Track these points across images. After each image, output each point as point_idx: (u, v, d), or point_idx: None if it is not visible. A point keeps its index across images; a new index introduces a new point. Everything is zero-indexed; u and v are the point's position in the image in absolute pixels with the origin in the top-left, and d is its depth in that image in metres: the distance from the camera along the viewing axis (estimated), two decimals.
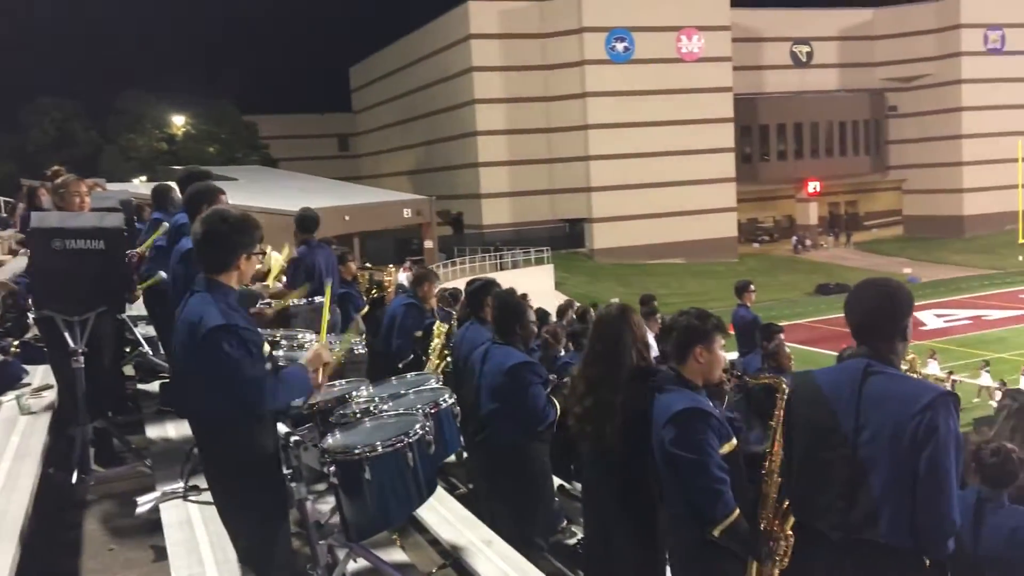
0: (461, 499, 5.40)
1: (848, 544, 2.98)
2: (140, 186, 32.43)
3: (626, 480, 3.91)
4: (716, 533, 3.41)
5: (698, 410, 3.49)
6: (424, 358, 6.81)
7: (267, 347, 3.41)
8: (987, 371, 25.61)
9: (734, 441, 3.56)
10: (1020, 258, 49.10)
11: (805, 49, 62.11)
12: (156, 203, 7.30)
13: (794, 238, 60.38)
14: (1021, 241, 47.13)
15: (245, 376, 3.13)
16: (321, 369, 3.42)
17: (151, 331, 7.46)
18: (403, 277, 14.70)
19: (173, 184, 7.05)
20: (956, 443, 2.85)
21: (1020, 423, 4.74)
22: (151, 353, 6.95)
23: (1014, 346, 31.87)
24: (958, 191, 59.83)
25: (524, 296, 5.63)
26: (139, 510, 4.26)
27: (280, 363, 3.63)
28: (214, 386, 3.17)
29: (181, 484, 4.38)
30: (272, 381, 3.23)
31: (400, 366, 6.67)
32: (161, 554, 3.99)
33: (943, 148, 59.91)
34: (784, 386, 3.44)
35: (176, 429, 5.58)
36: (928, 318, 37.86)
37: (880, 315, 3.06)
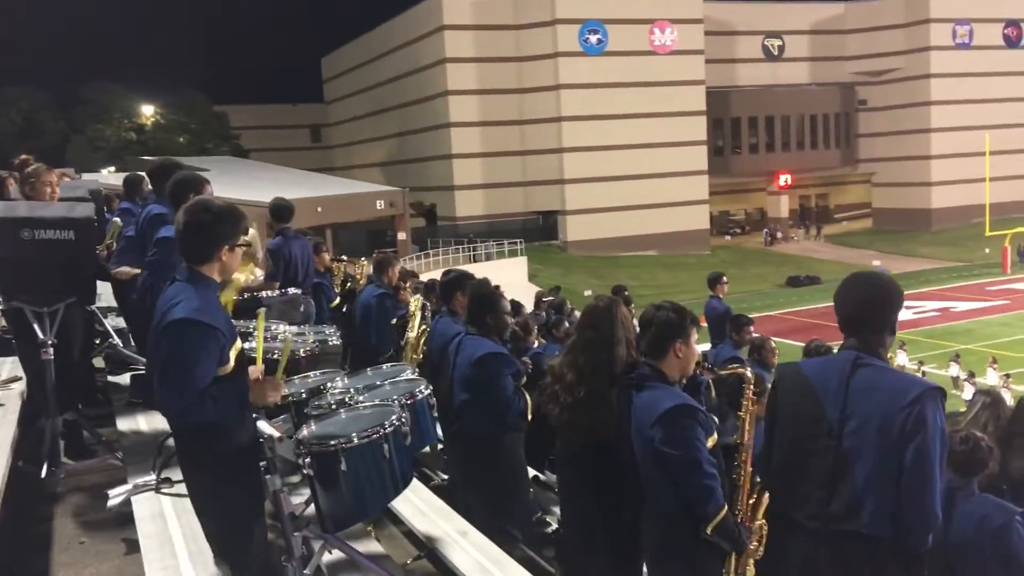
0: (436, 490, 5.40)
1: (825, 534, 2.99)
2: (109, 176, 32.06)
3: (615, 472, 3.83)
4: (709, 531, 3.38)
5: (687, 407, 3.46)
6: (401, 348, 6.80)
7: (239, 345, 3.38)
8: (957, 363, 25.94)
9: (715, 435, 3.56)
10: (987, 251, 49.79)
11: (777, 43, 62.53)
12: (126, 193, 7.23)
13: (765, 231, 60.84)
14: (988, 234, 47.79)
15: (185, 378, 3.09)
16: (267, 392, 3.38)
17: (121, 323, 7.40)
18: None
19: (144, 174, 6.98)
20: (942, 437, 2.89)
21: (993, 417, 4.81)
22: (121, 345, 6.88)
23: (981, 338, 32.37)
24: (926, 184, 60.55)
25: (497, 288, 5.62)
26: (110, 503, 4.23)
27: (252, 355, 3.60)
28: (161, 376, 3.14)
29: (153, 476, 4.34)
30: (212, 396, 3.14)
31: (380, 360, 6.64)
32: (133, 547, 3.96)
33: (912, 142, 60.60)
34: (749, 376, 3.46)
35: (147, 421, 5.53)
36: None
37: (870, 308, 3.08)
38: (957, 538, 3.93)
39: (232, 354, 3.29)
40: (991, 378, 23.32)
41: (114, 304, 7.66)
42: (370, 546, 4.26)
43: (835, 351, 3.28)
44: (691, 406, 3.48)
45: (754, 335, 8.45)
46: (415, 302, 6.82)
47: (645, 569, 3.92)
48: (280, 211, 7.34)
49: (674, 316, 3.59)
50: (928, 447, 2.84)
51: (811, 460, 3.04)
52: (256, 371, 3.49)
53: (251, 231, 5.47)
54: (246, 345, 3.54)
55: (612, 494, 3.87)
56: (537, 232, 52.44)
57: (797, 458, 3.11)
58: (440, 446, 6.23)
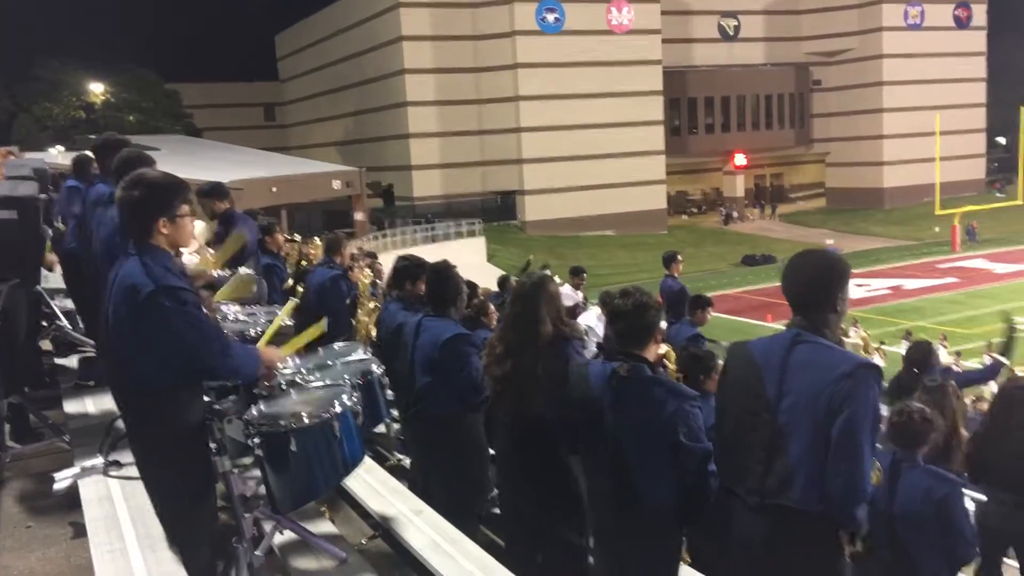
0: (392, 470, 5.39)
1: (762, 508, 3.03)
2: (57, 155, 31.35)
3: (544, 442, 3.98)
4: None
5: (690, 395, 3.48)
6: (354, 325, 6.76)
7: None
8: (909, 341, 26.32)
9: None
10: (936, 229, 50.72)
11: (732, 23, 62.82)
12: (76, 172, 7.05)
13: (722, 210, 61.39)
14: (938, 213, 48.65)
15: (192, 337, 3.08)
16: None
17: (69, 304, 7.25)
18: None
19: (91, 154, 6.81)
20: (873, 414, 2.90)
21: (937, 399, 4.94)
22: (69, 327, 6.75)
23: (930, 315, 32.99)
24: (879, 164, 61.49)
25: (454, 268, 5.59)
26: (57, 486, 4.16)
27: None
28: (155, 352, 3.09)
29: (100, 459, 4.28)
30: (224, 340, 3.19)
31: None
32: (81, 531, 3.90)
33: (864, 122, 61.43)
34: (672, 354, 3.50)
35: (95, 404, 5.45)
36: (849, 288, 38.90)
37: (814, 286, 3.09)
38: (902, 509, 4.04)
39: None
40: (941, 355, 23.77)
41: (62, 285, 7.50)
42: (324, 526, 4.24)
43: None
44: (692, 394, 3.51)
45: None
46: (364, 278, 6.75)
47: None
48: (215, 192, 7.02)
49: (650, 309, 3.54)
50: (856, 422, 2.84)
51: (751, 436, 3.08)
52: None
53: (200, 224, 5.40)
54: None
55: (543, 461, 4.00)
56: (495, 212, 52.35)
57: (739, 434, 3.15)
58: (396, 426, 6.21)
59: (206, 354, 3.12)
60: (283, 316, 3.73)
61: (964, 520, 4.04)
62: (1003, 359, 7.36)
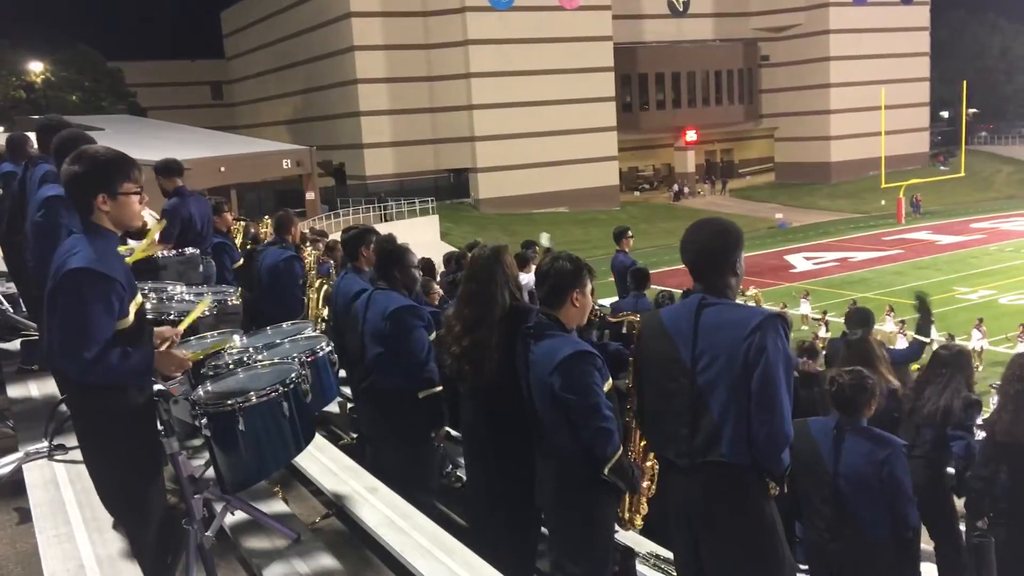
0: (345, 449, 5.37)
1: (694, 468, 3.13)
2: (5, 137, 30.55)
3: (504, 417, 4.02)
4: (606, 471, 3.52)
5: (585, 352, 3.57)
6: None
7: (139, 299, 3.27)
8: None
9: (611, 380, 3.65)
10: (883, 202, 51.68)
11: None
12: (10, 154, 6.85)
13: (675, 186, 61.81)
14: (883, 186, 49.54)
15: (86, 330, 2.95)
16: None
17: (11, 288, 7.09)
18: None
19: (30, 134, 6.63)
20: (785, 361, 3.03)
21: (861, 351, 5.16)
22: (11, 310, 6.61)
23: (876, 286, 33.67)
24: (826, 139, 62.32)
25: (403, 245, 5.57)
26: (0, 472, 4.07)
27: (148, 316, 3.49)
28: (59, 331, 3.01)
29: (45, 444, 4.20)
30: (116, 352, 3.00)
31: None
32: (26, 516, 3.83)
33: (812, 97, 62.16)
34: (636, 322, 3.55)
35: (39, 388, 5.34)
36: (798, 261, 39.57)
37: (712, 253, 3.20)
38: (847, 469, 4.18)
39: (132, 308, 3.17)
40: (888, 326, 24.30)
41: (3, 268, 7.32)
42: (276, 506, 4.22)
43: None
44: (589, 352, 3.59)
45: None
46: (309, 255, 6.69)
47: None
48: (170, 166, 6.96)
49: (569, 266, 3.67)
50: (771, 371, 2.97)
51: (672, 400, 3.18)
52: (167, 332, 3.39)
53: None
54: (148, 304, 3.43)
55: (503, 437, 4.04)
56: (448, 190, 52.15)
57: (661, 400, 3.25)
58: (350, 405, 6.19)
59: (91, 353, 2.95)
60: (201, 309, 3.67)
61: (906, 480, 4.18)
62: (923, 338, 7.59)
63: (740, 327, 3.02)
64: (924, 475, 5.23)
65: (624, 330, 5.02)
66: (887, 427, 4.64)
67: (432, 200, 45.12)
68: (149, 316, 3.53)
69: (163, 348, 3.30)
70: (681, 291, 8.10)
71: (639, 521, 3.84)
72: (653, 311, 3.48)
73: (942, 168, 61.11)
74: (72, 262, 3.01)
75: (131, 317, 3.15)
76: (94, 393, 3.11)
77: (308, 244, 8.76)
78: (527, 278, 9.84)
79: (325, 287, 7.09)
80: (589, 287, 3.73)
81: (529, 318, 3.86)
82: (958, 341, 18.27)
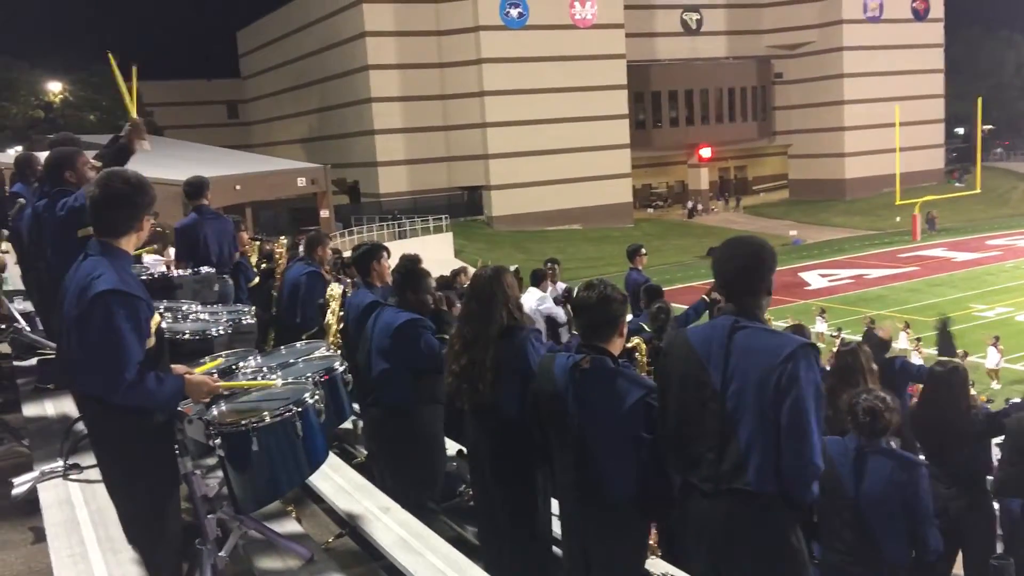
0: (358, 468, 5.36)
1: (717, 494, 3.08)
2: (14, 156, 30.83)
3: (501, 433, 4.04)
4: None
5: (652, 386, 3.48)
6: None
7: (157, 318, 3.29)
8: (871, 328, 26.62)
9: None
10: (897, 219, 51.39)
11: (695, 16, 63.16)
12: (19, 174, 6.92)
13: (688, 203, 61.75)
14: (898, 203, 49.30)
15: (123, 352, 2.98)
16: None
17: (28, 307, 7.14)
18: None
19: (39, 153, 6.69)
20: (816, 391, 2.98)
21: (849, 361, 5.20)
22: (28, 329, 6.64)
23: (892, 303, 33.44)
24: (840, 155, 62.13)
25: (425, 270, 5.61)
26: (16, 491, 4.08)
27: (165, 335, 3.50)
28: (93, 355, 3.03)
29: (60, 463, 4.21)
30: (148, 376, 3.04)
31: (305, 337, 6.53)
32: (41, 535, 3.84)
33: (826, 114, 62.05)
34: (643, 346, 3.52)
35: (55, 407, 5.36)
36: (813, 278, 39.38)
37: (747, 273, 3.16)
38: (869, 490, 4.13)
39: (152, 327, 3.20)
40: (902, 342, 24.13)
41: (20, 287, 7.38)
42: (290, 526, 4.20)
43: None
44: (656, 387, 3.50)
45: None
46: (333, 289, 6.72)
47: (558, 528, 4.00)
48: (192, 187, 7.10)
49: (619, 296, 3.58)
50: (802, 401, 2.93)
51: (700, 424, 3.12)
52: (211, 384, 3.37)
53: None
54: (164, 324, 3.45)
55: (502, 453, 4.05)
56: (462, 208, 52.26)
57: (687, 422, 3.19)
58: (362, 423, 6.18)
59: (127, 374, 2.98)
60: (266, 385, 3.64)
61: (928, 501, 4.13)
62: (946, 359, 7.59)
63: (772, 354, 2.98)
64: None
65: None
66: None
67: (446, 217, 45.22)
68: (165, 336, 3.54)
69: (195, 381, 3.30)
70: (685, 307, 8.08)
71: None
72: (679, 330, 3.42)
73: (957, 185, 60.82)
74: (99, 285, 3.04)
75: (153, 338, 3.19)
76: (118, 413, 3.13)
77: (335, 271, 8.71)
78: (537, 296, 9.87)
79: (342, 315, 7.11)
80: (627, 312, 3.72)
81: (526, 338, 3.89)
82: (975, 359, 18.11)
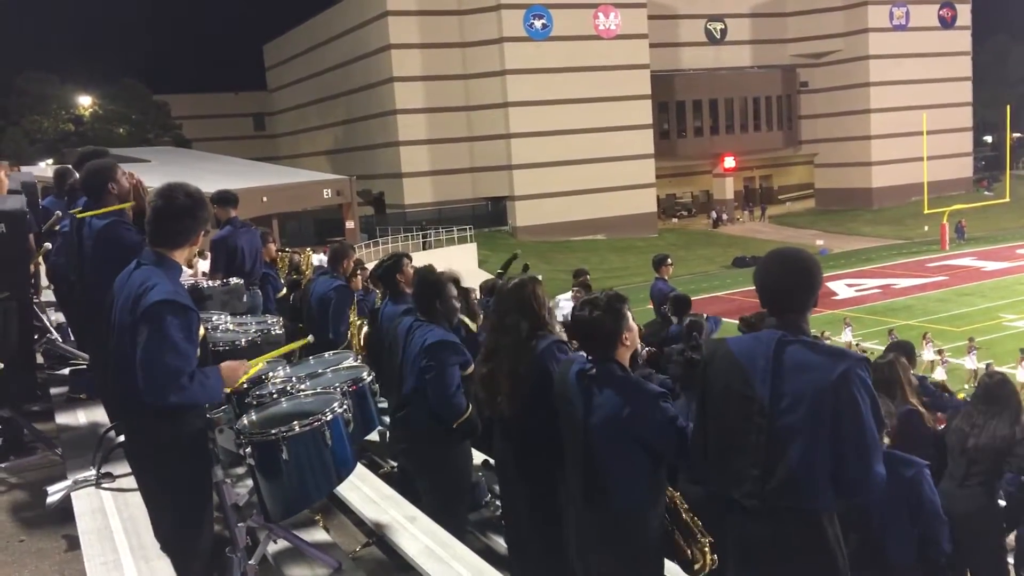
0: (385, 478, 5.39)
1: (764, 512, 3.01)
2: (47, 169, 31.31)
3: (522, 443, 4.06)
4: None
5: (659, 393, 3.49)
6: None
7: (202, 329, 3.37)
8: (892, 338, 26.40)
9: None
10: (926, 228, 50.91)
11: (719, 26, 63.04)
12: (55, 187, 7.05)
13: (713, 213, 61.52)
14: (926, 212, 48.86)
15: (179, 360, 3.08)
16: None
17: (60, 317, 7.25)
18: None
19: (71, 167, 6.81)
20: (874, 406, 2.95)
21: (886, 374, 5.12)
22: (60, 340, 6.74)
23: (920, 313, 33.12)
24: (867, 164, 61.68)
25: (442, 273, 5.60)
26: (50, 500, 4.14)
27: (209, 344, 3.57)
28: (150, 361, 3.10)
29: (93, 472, 4.27)
30: (196, 377, 3.15)
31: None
32: (74, 543, 3.89)
33: (852, 122, 61.64)
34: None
35: (87, 416, 5.43)
36: (840, 288, 39.06)
37: (795, 288, 3.08)
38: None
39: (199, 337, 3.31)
40: (927, 354, 23.85)
41: (52, 299, 7.50)
42: (317, 535, 4.24)
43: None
44: (664, 393, 3.52)
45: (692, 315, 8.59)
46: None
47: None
48: (224, 199, 7.18)
49: (608, 317, 3.52)
50: (864, 418, 2.90)
51: (744, 439, 3.05)
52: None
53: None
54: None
55: (523, 463, 4.08)
56: (486, 218, 52.39)
57: (730, 437, 3.11)
58: (389, 434, 6.21)
59: (175, 380, 3.08)
60: (260, 362, 3.71)
61: (935, 500, 4.09)
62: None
63: (825, 372, 2.92)
64: (975, 507, 5.14)
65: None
66: (920, 452, 4.54)
67: (470, 228, 45.36)
68: (208, 345, 3.62)
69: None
70: (705, 316, 8.03)
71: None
72: (719, 340, 3.37)
73: (986, 193, 60.16)
74: (154, 295, 3.12)
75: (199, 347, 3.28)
76: (156, 420, 3.20)
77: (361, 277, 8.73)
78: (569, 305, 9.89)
79: (366, 328, 7.15)
80: (629, 317, 3.61)
81: (549, 347, 3.90)
82: (1004, 370, 17.90)
